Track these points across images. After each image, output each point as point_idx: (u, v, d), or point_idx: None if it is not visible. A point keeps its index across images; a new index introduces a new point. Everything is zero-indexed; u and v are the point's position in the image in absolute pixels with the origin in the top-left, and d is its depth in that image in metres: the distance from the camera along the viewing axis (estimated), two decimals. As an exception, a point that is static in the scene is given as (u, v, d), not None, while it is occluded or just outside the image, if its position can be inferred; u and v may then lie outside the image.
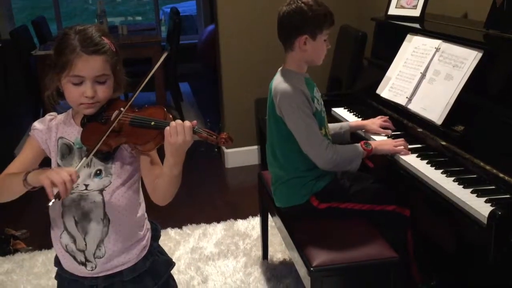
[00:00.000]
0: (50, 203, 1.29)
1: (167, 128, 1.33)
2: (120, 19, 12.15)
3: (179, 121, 1.34)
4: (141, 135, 1.39)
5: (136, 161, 1.50)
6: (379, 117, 2.30)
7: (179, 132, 1.32)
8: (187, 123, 1.34)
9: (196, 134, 1.35)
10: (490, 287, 1.96)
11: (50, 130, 1.48)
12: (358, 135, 2.30)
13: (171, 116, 1.42)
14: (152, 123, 1.38)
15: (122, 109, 1.41)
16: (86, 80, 1.39)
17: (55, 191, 1.26)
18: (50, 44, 4.60)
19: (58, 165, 1.46)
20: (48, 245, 2.78)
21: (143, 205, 1.56)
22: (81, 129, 1.45)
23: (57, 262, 1.55)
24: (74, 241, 1.46)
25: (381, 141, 2.11)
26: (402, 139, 2.06)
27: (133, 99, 1.44)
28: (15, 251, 2.84)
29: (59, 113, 1.54)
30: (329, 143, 1.96)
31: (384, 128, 2.25)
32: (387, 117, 2.29)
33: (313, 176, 2.03)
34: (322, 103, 2.09)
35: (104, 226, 1.45)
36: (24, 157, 1.48)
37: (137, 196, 1.53)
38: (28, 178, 1.34)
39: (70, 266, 1.49)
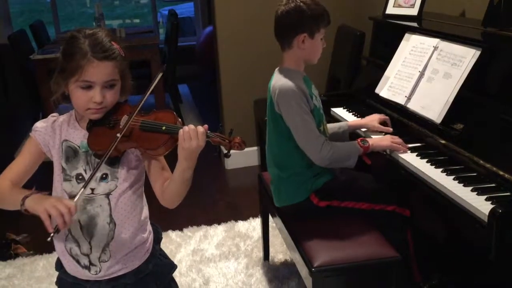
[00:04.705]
0: (49, 238, 1.27)
1: (181, 132, 1.33)
2: (118, 21, 12.13)
3: (192, 126, 1.34)
4: (152, 139, 1.38)
5: (141, 164, 1.50)
6: (376, 114, 2.31)
7: (193, 137, 1.32)
8: (200, 128, 1.34)
9: (209, 138, 1.35)
10: (492, 285, 1.96)
11: (54, 131, 1.46)
12: (356, 133, 2.30)
13: (180, 120, 1.42)
14: (163, 127, 1.37)
15: (130, 114, 1.40)
16: (95, 86, 1.38)
17: (54, 223, 1.25)
18: (48, 48, 4.61)
19: (63, 168, 1.45)
20: (49, 249, 2.79)
21: (146, 208, 1.57)
22: (87, 132, 1.44)
23: (58, 265, 1.55)
24: (78, 245, 1.46)
25: (378, 137, 2.12)
26: (397, 137, 2.07)
27: (141, 105, 1.43)
28: (16, 255, 2.84)
29: (60, 114, 1.52)
30: (325, 140, 1.97)
31: (384, 124, 2.26)
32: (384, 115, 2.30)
33: (312, 173, 2.04)
34: (320, 100, 2.10)
35: (110, 230, 1.45)
36: (23, 159, 1.46)
37: (142, 199, 1.54)
38: (26, 203, 1.31)
39: (73, 269, 1.49)
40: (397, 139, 2.06)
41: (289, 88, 1.95)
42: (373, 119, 2.27)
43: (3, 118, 5.21)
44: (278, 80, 2.01)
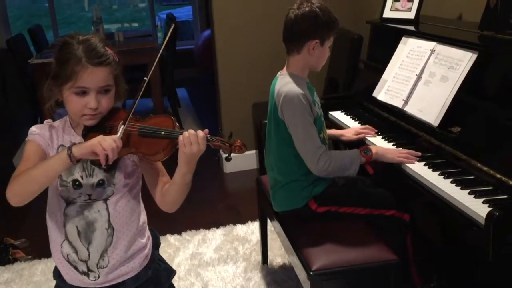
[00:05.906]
0: (104, 167, 1.34)
1: (181, 138, 1.33)
2: (116, 25, 12.17)
3: (192, 131, 1.34)
4: (151, 145, 1.38)
5: (138, 169, 1.50)
6: (362, 126, 2.36)
7: (193, 142, 1.33)
8: (200, 133, 1.34)
9: (210, 143, 1.35)
10: (490, 287, 1.96)
11: (51, 136, 1.46)
12: (361, 141, 2.29)
13: (178, 124, 1.42)
14: (162, 133, 1.37)
15: (131, 116, 1.41)
16: (90, 91, 1.38)
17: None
18: (47, 52, 4.61)
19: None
20: (47, 254, 2.76)
21: (144, 213, 1.56)
22: (82, 139, 1.43)
23: (56, 274, 1.54)
24: (76, 251, 1.45)
25: (385, 148, 2.08)
26: (407, 150, 2.02)
27: (136, 102, 1.43)
28: (15, 260, 2.83)
29: (55, 120, 1.51)
30: (324, 151, 1.95)
31: (361, 133, 2.29)
32: (370, 127, 2.32)
33: (311, 180, 2.03)
34: (321, 107, 2.10)
35: (108, 236, 1.45)
36: (27, 159, 1.40)
37: (139, 204, 1.54)
38: (74, 151, 1.29)
39: (72, 276, 1.48)
40: (404, 152, 1.99)
41: (295, 95, 1.92)
42: (350, 130, 2.32)
43: (2, 121, 5.22)
44: (285, 85, 1.97)
